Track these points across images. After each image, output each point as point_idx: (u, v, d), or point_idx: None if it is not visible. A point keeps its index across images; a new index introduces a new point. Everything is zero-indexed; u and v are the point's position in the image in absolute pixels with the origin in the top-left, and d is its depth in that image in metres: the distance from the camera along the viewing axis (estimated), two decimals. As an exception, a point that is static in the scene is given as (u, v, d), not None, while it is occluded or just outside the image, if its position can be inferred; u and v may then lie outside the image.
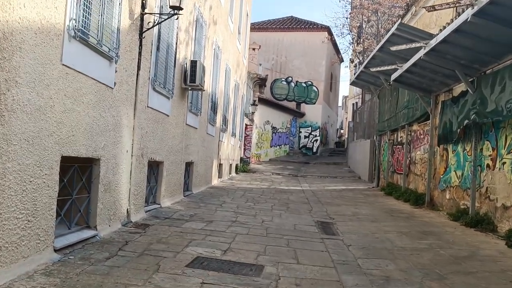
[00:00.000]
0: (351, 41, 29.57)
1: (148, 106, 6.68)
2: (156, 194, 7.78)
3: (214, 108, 12.39)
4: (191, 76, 8.56)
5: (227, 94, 14.97)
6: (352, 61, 32.00)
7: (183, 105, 8.87)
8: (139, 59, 6.13)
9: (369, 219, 8.53)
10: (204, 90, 9.51)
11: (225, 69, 14.09)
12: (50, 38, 3.82)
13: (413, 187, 12.03)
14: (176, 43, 7.93)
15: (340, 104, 48.66)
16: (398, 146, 14.15)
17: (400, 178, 13.45)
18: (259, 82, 24.50)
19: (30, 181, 3.67)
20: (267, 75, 27.00)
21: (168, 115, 7.83)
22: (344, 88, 78.76)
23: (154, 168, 7.66)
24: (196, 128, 10.28)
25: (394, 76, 10.41)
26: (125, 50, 5.58)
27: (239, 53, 17.95)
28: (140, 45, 6.12)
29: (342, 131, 48.99)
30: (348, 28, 28.65)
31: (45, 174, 3.89)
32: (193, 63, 8.60)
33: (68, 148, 4.25)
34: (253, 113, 23.44)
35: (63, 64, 4.05)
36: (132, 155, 6.13)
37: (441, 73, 9.08)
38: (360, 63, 30.36)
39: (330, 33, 31.31)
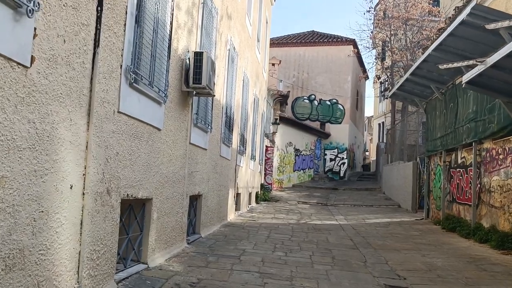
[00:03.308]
0: (376, 55, 26.97)
1: (119, 111, 4.09)
2: (141, 248, 5.12)
3: (229, 125, 9.79)
4: (195, 75, 6.00)
5: (245, 109, 12.39)
6: (378, 77, 29.30)
7: (184, 116, 6.29)
8: (98, 29, 3.57)
9: (456, 278, 5.78)
10: (214, 96, 6.90)
11: (243, 79, 11.55)
12: None
13: (488, 223, 9.17)
14: (171, 24, 5.40)
15: (362, 125, 45.75)
16: (458, 170, 11.35)
17: (465, 210, 10.64)
18: (280, 99, 21.95)
19: None
20: (288, 91, 24.39)
21: (159, 129, 5.24)
22: (368, 108, 76.08)
23: (136, 209, 5.02)
24: (205, 149, 7.67)
25: (469, 75, 7.68)
26: None
27: (258, 64, 15.45)
28: (100, 4, 3.57)
29: (367, 153, 46.14)
30: (373, 42, 26.09)
31: None
32: (198, 56, 6.04)
33: None
34: (274, 133, 20.78)
35: None
36: (83, 193, 3.52)
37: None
38: (386, 80, 27.72)
39: (356, 47, 28.73)
